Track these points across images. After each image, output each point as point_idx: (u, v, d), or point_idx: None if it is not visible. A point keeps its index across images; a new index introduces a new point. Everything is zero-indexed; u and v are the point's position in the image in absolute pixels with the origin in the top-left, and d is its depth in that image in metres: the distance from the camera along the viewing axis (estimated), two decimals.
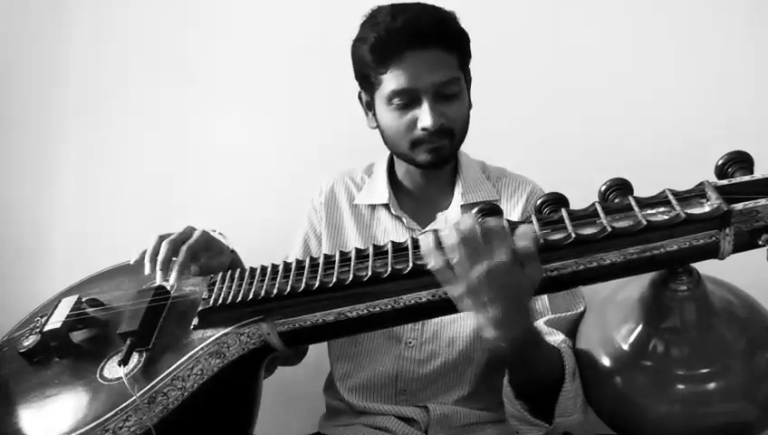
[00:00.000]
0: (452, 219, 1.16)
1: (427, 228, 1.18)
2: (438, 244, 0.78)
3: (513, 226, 0.80)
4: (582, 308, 1.09)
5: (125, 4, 1.67)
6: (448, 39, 1.07)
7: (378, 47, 1.06)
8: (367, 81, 1.12)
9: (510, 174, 1.25)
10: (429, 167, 1.14)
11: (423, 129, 1.08)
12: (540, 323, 1.06)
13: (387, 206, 1.21)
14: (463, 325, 1.14)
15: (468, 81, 1.16)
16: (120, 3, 1.67)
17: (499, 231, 0.77)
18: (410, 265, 0.83)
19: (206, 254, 1.04)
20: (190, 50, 1.66)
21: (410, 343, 1.15)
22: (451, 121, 1.09)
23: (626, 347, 0.95)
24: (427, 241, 0.78)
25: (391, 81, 1.07)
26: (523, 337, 0.83)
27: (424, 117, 1.07)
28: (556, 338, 1.02)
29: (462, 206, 1.17)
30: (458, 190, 1.19)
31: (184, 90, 1.66)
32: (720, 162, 0.79)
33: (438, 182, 1.21)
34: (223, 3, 1.65)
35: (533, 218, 0.81)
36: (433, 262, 0.77)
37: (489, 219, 0.80)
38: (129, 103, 1.68)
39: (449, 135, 1.10)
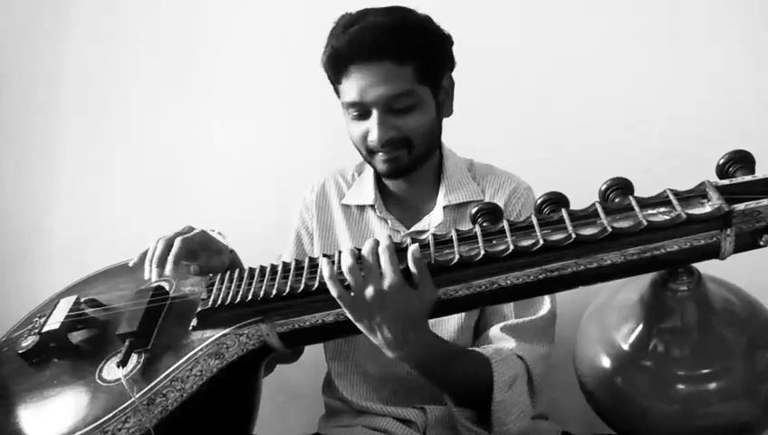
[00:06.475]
0: (435, 221, 1.15)
1: (410, 230, 1.16)
2: (339, 270, 0.81)
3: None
4: (543, 312, 1.06)
5: (125, 4, 1.67)
6: (401, 51, 1.02)
7: (328, 62, 1.07)
8: (334, 88, 1.13)
9: (496, 171, 1.21)
10: (387, 176, 1.14)
11: (371, 141, 1.07)
12: (493, 330, 1.05)
13: (373, 207, 1.21)
14: (444, 328, 1.12)
15: (441, 89, 1.10)
16: (120, 3, 1.67)
17: (385, 253, 0.80)
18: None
19: (205, 253, 1.04)
20: (190, 50, 1.65)
21: None
22: (406, 132, 1.07)
23: (626, 347, 0.94)
24: (327, 269, 0.81)
25: (344, 93, 1.07)
26: (426, 353, 0.86)
27: (372, 131, 1.06)
28: (504, 345, 1.01)
29: (445, 207, 1.15)
30: (442, 191, 1.17)
31: (184, 90, 1.66)
32: (721, 162, 0.78)
33: (421, 184, 1.18)
34: (223, 3, 1.64)
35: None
36: (334, 289, 0.80)
37: (381, 241, 0.82)
38: (129, 103, 1.68)
39: (405, 145, 1.08)
